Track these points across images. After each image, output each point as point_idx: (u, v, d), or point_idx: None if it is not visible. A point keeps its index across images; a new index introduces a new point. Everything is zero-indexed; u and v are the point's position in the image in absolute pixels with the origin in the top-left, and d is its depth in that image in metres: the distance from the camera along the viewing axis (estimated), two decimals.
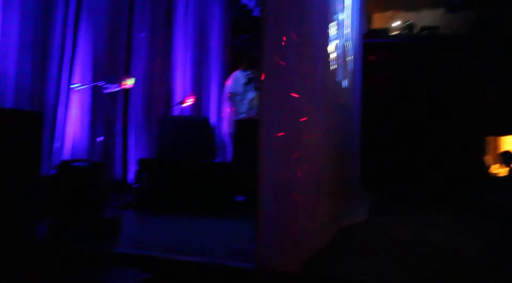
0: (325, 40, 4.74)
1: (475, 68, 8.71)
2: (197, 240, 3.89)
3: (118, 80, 5.58)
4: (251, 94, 5.97)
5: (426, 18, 9.97)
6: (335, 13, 5.35)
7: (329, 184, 4.74)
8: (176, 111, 6.86)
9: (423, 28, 9.50)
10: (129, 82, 5.71)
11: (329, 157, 4.78)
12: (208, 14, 7.87)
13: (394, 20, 10.34)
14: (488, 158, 10.47)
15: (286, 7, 3.12)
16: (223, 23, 8.39)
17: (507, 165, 7.78)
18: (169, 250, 3.38)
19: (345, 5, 6.10)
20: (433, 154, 8.75)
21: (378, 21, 10.50)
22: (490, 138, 11.73)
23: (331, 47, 4.95)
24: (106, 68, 5.96)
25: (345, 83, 6.17)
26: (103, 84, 5.47)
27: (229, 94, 6.01)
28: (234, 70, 6.50)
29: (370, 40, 9.04)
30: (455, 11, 8.68)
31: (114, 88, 5.57)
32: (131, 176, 6.40)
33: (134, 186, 5.50)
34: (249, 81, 5.99)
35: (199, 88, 7.67)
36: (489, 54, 8.62)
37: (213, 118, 7.69)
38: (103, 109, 5.88)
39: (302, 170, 3.34)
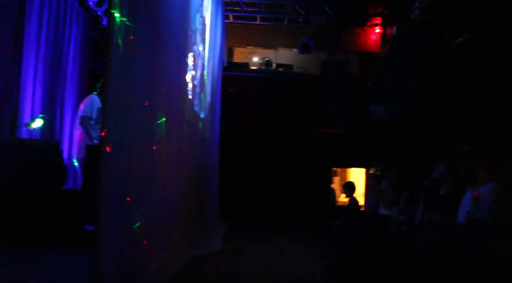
0: (183, 69, 4.82)
1: (326, 104, 9.50)
2: (36, 276, 3.58)
3: None
4: None
5: (282, 56, 10.73)
6: (195, 43, 5.49)
7: (182, 213, 4.74)
8: (23, 134, 6.32)
9: (278, 65, 10.19)
10: None
11: (183, 186, 4.79)
12: (64, 33, 7.47)
13: (253, 55, 10.94)
14: (335, 188, 11.39)
15: (139, 34, 3.11)
16: (81, 44, 8.04)
17: (349, 195, 8.50)
18: None
19: (205, 37, 6.28)
20: (286, 184, 9.23)
21: (239, 55, 11.00)
22: (337, 170, 12.78)
23: (188, 77, 5.04)
24: None
25: (203, 113, 6.29)
26: None
27: (81, 118, 5.72)
28: (90, 93, 6.23)
29: (230, 73, 9.39)
30: (307, 52, 9.45)
31: None
32: None
33: None
34: None
35: (51, 110, 7.17)
36: (337, 92, 9.49)
37: (65, 143, 7.23)
38: None
39: (149, 198, 3.29)
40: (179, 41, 4.43)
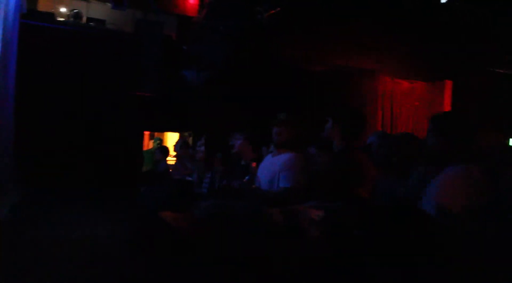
0: None
1: (137, 65, 9.10)
2: None
3: None
4: None
5: (94, 10, 9.93)
6: None
7: None
8: None
9: (89, 19, 9.40)
10: None
11: None
12: None
13: (61, 5, 9.91)
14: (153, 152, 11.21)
15: None
16: None
17: (162, 159, 8.43)
18: None
19: None
20: (89, 149, 8.68)
21: (44, 4, 9.85)
22: (155, 134, 12.59)
23: None
24: None
25: None
26: None
27: None
28: None
29: (31, 22, 8.34)
30: (120, 8, 8.86)
31: None
32: None
33: None
34: None
35: None
36: (150, 54, 9.17)
37: None
38: None
39: None
40: None
